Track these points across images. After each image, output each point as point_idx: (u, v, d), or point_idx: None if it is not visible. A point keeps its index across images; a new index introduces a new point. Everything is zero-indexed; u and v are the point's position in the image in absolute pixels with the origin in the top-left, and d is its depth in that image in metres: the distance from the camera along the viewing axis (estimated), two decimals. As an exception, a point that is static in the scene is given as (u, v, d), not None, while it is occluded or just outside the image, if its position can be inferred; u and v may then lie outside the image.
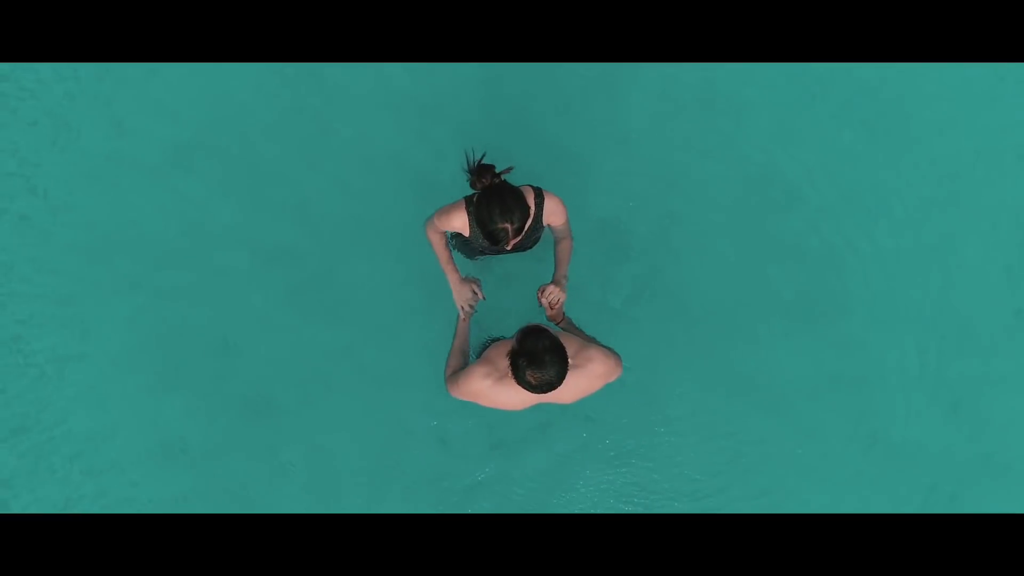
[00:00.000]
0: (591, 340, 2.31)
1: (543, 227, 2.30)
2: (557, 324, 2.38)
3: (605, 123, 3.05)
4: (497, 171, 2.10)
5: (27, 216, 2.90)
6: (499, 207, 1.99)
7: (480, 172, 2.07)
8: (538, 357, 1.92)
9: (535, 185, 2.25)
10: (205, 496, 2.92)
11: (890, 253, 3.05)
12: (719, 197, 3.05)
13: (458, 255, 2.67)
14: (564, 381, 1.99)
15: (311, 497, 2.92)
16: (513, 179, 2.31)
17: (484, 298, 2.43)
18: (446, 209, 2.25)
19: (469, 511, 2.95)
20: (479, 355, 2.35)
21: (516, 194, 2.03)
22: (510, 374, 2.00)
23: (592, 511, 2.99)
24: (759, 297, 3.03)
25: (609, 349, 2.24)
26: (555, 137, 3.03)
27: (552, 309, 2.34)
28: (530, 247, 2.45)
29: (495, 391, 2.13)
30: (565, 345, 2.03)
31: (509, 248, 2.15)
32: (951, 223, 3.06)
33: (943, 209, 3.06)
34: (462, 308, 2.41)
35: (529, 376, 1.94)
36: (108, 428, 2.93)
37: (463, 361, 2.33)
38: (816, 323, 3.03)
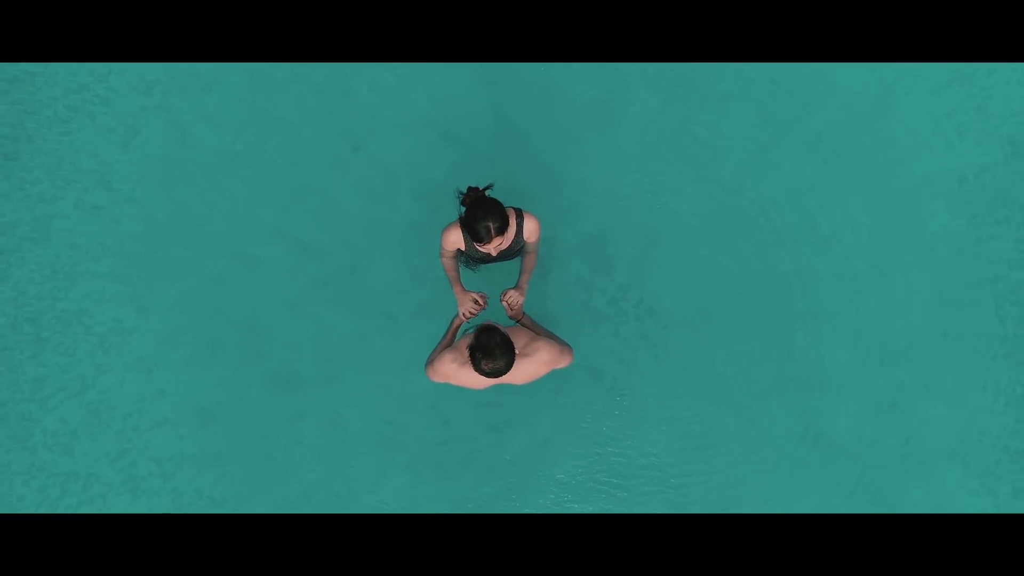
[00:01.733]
0: (547, 334, 2.79)
1: (523, 240, 2.76)
2: (518, 321, 2.85)
3: (597, 151, 3.50)
4: (480, 188, 2.58)
5: (100, 207, 3.40)
6: (482, 210, 2.49)
7: (468, 191, 2.57)
8: (490, 351, 2.41)
9: (517, 207, 2.72)
10: (236, 453, 3.39)
11: (839, 274, 3.48)
12: (693, 221, 3.49)
13: (466, 272, 3.13)
14: (513, 368, 2.48)
15: (326, 460, 3.40)
16: (508, 198, 2.76)
17: (485, 307, 2.90)
18: (446, 230, 2.75)
19: (463, 478, 3.41)
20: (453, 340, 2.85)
21: (496, 202, 2.52)
22: (470, 362, 2.50)
23: (567, 491, 3.44)
24: (724, 308, 3.47)
25: (560, 342, 2.73)
26: (554, 163, 3.49)
27: (512, 310, 2.82)
28: (515, 256, 2.91)
29: (460, 373, 2.62)
30: (516, 339, 2.52)
31: (495, 253, 2.63)
32: (892, 250, 3.49)
33: (887, 237, 3.49)
34: (463, 314, 2.89)
35: (483, 365, 2.43)
36: (156, 392, 3.42)
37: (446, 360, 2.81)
38: (771, 331, 3.46)
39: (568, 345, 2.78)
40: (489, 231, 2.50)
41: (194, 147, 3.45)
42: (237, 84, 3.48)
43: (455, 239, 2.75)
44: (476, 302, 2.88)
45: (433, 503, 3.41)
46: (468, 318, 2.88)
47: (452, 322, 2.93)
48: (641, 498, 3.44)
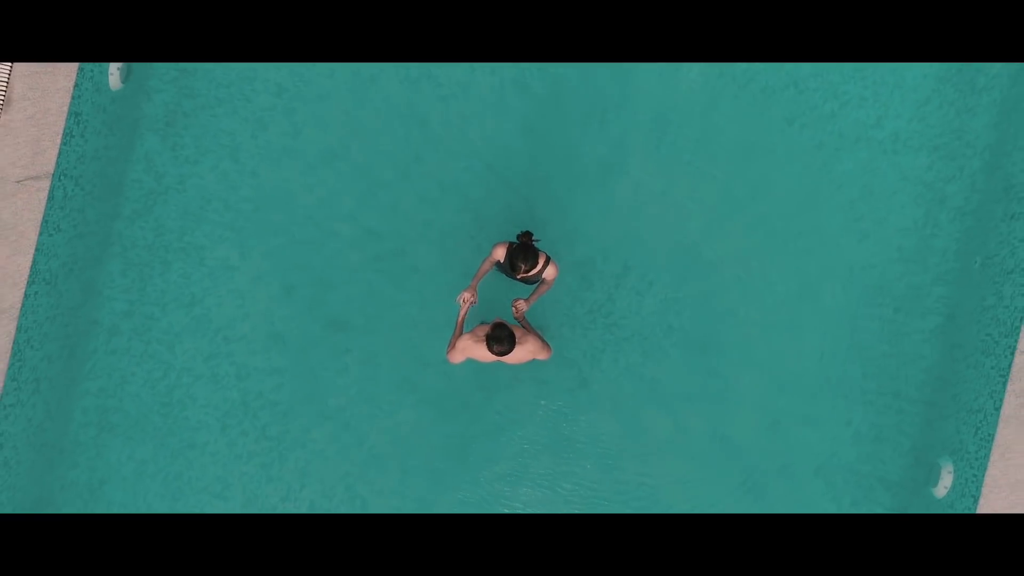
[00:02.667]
0: (534, 332, 4.00)
1: (542, 277, 3.98)
2: (519, 321, 4.05)
3: (591, 199, 4.68)
4: (533, 237, 3.84)
5: (226, 173, 4.59)
6: (523, 254, 3.75)
7: (524, 234, 3.83)
8: (500, 340, 3.68)
9: (548, 254, 3.93)
10: (294, 374, 4.59)
11: (765, 321, 4.67)
12: (659, 256, 4.67)
13: (498, 275, 4.32)
14: (512, 353, 3.76)
15: (359, 387, 4.59)
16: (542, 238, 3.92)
17: (475, 303, 4.04)
18: (498, 245, 3.97)
19: (459, 422, 4.60)
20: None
21: (535, 251, 3.76)
22: (483, 342, 3.73)
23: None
24: (671, 329, 4.66)
25: (543, 341, 3.96)
26: (568, 204, 4.68)
27: (517, 312, 4.05)
28: (532, 283, 4.11)
29: (475, 349, 3.87)
30: (515, 332, 3.70)
31: (519, 278, 3.89)
32: (801, 294, 4.67)
33: (799, 284, 4.68)
34: (459, 299, 4.07)
35: (494, 348, 3.70)
36: (243, 316, 4.60)
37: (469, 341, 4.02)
38: (703, 353, 4.65)
39: (548, 345, 4.02)
40: (520, 268, 3.77)
41: (304, 141, 4.64)
42: (342, 98, 4.66)
43: (499, 254, 3.95)
44: (469, 298, 4.07)
45: (437, 424, 4.63)
46: (458, 302, 4.07)
47: (458, 314, 4.10)
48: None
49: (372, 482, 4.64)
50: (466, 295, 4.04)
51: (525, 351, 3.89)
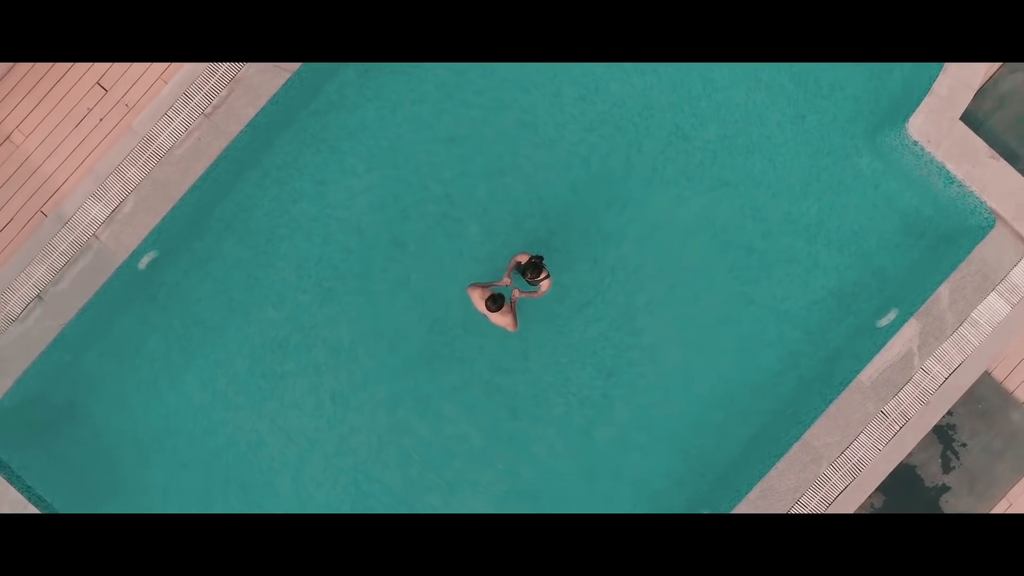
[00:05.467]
0: (513, 313, 5.91)
1: (539, 285, 5.89)
2: (510, 300, 6.00)
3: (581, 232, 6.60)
4: (543, 259, 5.77)
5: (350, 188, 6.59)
6: (533, 267, 5.68)
7: (538, 256, 5.74)
8: (494, 299, 5.59)
9: (549, 272, 5.84)
10: (349, 313, 6.55)
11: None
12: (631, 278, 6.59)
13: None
14: (495, 315, 5.69)
15: (404, 324, 6.55)
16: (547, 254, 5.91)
17: (510, 284, 5.98)
18: (523, 253, 5.86)
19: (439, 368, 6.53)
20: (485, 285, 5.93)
21: (540, 269, 5.69)
22: (483, 303, 5.64)
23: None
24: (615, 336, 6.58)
25: (515, 321, 5.89)
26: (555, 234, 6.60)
27: (512, 296, 5.96)
28: (531, 286, 6.00)
29: (479, 295, 5.74)
30: (504, 304, 5.67)
31: (526, 279, 5.82)
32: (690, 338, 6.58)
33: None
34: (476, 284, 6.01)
35: (487, 304, 5.60)
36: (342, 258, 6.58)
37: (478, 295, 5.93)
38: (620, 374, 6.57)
39: (516, 326, 5.92)
40: (527, 274, 5.74)
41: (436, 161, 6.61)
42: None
43: (522, 258, 5.86)
44: (507, 282, 5.99)
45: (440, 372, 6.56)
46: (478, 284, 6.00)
47: (490, 283, 6.00)
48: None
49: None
50: (506, 279, 5.98)
51: (502, 319, 5.79)
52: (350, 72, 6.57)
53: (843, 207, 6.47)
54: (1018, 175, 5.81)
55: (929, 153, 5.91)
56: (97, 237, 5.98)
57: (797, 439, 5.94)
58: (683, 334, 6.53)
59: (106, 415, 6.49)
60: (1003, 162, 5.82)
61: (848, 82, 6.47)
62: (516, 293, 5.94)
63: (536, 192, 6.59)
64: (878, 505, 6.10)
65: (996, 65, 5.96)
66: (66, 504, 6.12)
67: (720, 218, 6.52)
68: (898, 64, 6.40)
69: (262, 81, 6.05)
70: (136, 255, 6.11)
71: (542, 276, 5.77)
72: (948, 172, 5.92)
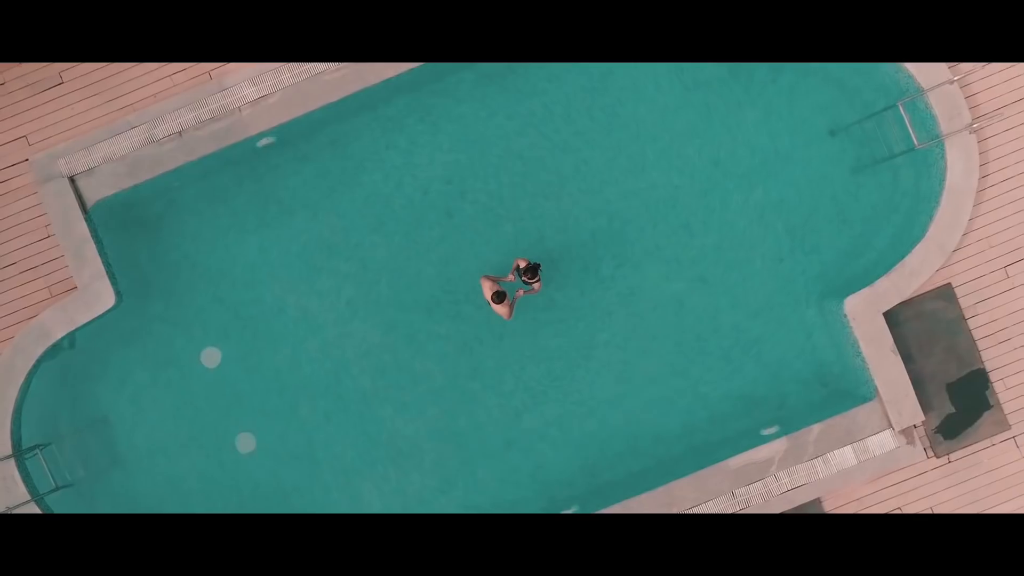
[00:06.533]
0: (511, 306, 7.62)
1: (533, 286, 7.61)
2: (512, 299, 7.73)
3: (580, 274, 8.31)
4: (540, 267, 7.51)
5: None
6: (531, 270, 7.43)
7: (536, 263, 7.50)
8: (498, 293, 7.36)
9: (541, 277, 7.57)
10: (389, 247, 8.25)
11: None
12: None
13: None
14: (497, 307, 7.44)
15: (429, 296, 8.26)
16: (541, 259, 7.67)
17: (513, 280, 7.70)
18: (522, 259, 7.61)
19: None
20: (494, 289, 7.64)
21: (536, 273, 7.42)
22: (492, 289, 7.36)
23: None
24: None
25: (511, 313, 7.61)
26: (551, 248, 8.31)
27: (515, 294, 7.67)
28: (527, 285, 7.72)
29: (488, 287, 7.48)
30: (505, 299, 7.39)
31: (523, 279, 7.56)
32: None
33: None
34: (488, 278, 7.73)
35: (493, 295, 7.38)
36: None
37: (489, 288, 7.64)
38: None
39: (510, 317, 7.59)
40: (523, 276, 7.45)
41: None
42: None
43: (521, 262, 7.56)
44: (495, 283, 7.69)
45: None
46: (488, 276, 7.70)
47: (498, 278, 7.71)
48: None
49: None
50: (510, 277, 7.68)
51: (501, 310, 7.48)
52: (470, 72, 8.26)
53: (780, 337, 8.22)
54: (905, 373, 7.54)
55: (851, 329, 7.63)
56: (240, 110, 7.66)
57: (663, 484, 7.67)
58: (621, 375, 8.27)
59: (183, 235, 8.23)
60: (899, 358, 7.54)
61: (827, 248, 8.20)
62: (520, 292, 7.64)
63: (565, 221, 8.31)
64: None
65: (927, 286, 7.65)
66: (131, 287, 7.86)
67: (688, 304, 8.26)
68: (872, 248, 8.09)
69: (407, 54, 7.79)
70: (260, 135, 7.80)
71: (535, 280, 7.49)
72: (859, 348, 7.64)
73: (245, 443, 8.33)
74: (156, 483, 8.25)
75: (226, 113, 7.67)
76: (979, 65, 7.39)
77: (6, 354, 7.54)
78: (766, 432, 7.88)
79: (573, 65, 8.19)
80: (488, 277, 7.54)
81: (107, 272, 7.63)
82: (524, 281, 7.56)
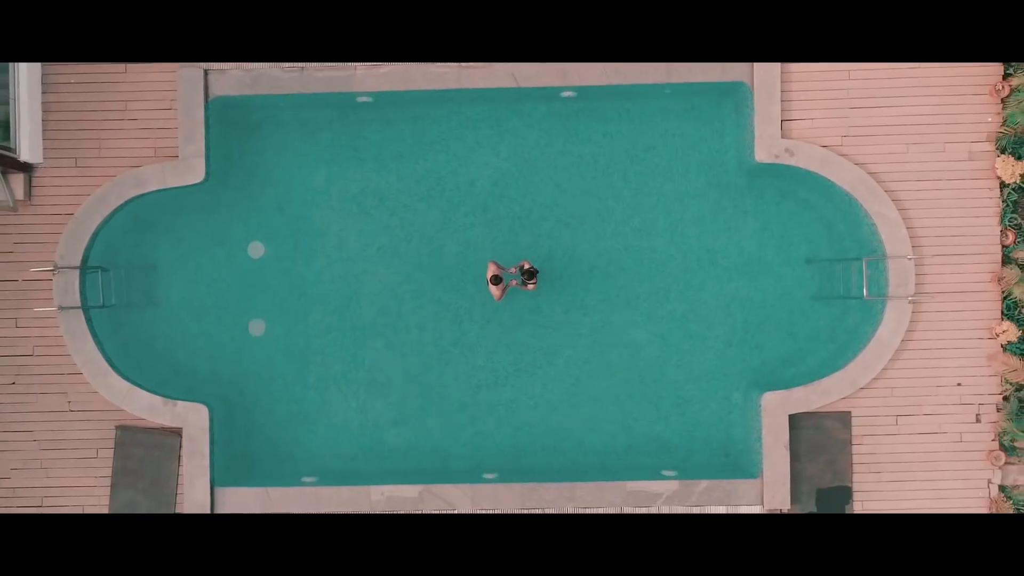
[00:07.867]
0: (504, 292, 9.25)
1: (528, 285, 9.23)
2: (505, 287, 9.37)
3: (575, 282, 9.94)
4: (537, 270, 9.13)
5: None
6: (529, 272, 9.06)
7: (533, 267, 9.12)
8: (496, 277, 9.00)
9: (537, 277, 9.20)
10: (428, 217, 9.89)
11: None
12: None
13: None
14: (494, 288, 9.11)
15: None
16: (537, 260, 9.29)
17: (513, 271, 9.32)
18: (525, 261, 9.24)
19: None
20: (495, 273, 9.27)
21: (534, 274, 9.04)
22: (494, 274, 9.05)
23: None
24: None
25: (500, 297, 9.25)
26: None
27: (512, 284, 9.32)
28: (527, 283, 9.35)
29: (492, 271, 9.10)
30: (501, 283, 9.05)
31: (523, 278, 9.18)
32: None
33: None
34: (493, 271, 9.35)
35: (493, 279, 9.03)
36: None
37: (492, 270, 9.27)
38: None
39: (500, 299, 9.22)
40: (523, 274, 9.09)
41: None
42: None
43: (524, 264, 9.17)
44: (499, 269, 9.30)
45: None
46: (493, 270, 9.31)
47: (502, 267, 9.32)
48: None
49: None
50: (512, 269, 9.28)
51: (494, 291, 9.02)
52: (546, 105, 9.88)
53: (705, 404, 9.90)
54: (788, 467, 9.20)
55: (761, 418, 9.28)
56: (355, 68, 9.33)
57: (571, 481, 9.34)
58: (570, 387, 9.95)
59: (271, 147, 9.89)
60: (787, 454, 9.21)
61: (770, 349, 9.87)
62: (514, 283, 9.25)
63: (573, 250, 9.97)
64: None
65: (831, 407, 9.30)
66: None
67: (644, 352, 9.93)
68: (803, 362, 9.75)
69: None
70: (363, 93, 9.48)
71: (531, 281, 9.11)
72: (760, 435, 9.30)
73: (256, 327, 9.96)
74: (173, 330, 9.88)
75: (345, 66, 9.29)
76: (937, 251, 9.11)
77: (105, 187, 9.16)
78: (666, 473, 9.52)
79: (625, 130, 9.87)
80: (495, 262, 9.15)
81: (205, 153, 9.24)
82: (523, 280, 9.19)
